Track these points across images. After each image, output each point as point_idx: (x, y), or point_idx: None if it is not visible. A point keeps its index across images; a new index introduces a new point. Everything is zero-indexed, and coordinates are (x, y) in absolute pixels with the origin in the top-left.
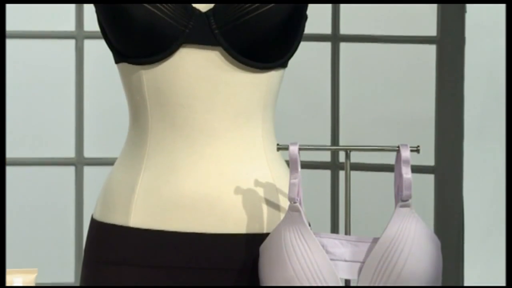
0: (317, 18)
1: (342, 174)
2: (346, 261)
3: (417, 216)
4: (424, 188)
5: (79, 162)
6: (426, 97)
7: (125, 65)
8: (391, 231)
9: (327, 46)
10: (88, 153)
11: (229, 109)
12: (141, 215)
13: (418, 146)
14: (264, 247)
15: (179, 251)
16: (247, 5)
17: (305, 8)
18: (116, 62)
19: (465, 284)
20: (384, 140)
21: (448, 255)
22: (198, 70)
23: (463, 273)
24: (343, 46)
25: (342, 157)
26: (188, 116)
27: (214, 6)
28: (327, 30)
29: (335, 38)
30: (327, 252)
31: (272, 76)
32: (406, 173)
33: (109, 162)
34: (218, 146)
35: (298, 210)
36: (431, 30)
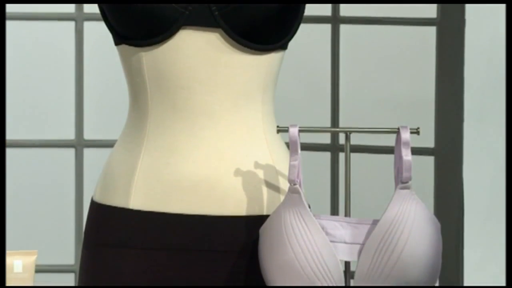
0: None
1: (342, 156)
2: (346, 243)
3: (417, 198)
4: (424, 170)
5: (79, 144)
6: (426, 79)
7: (124, 47)
8: (391, 213)
9: (327, 28)
10: (88, 135)
11: (229, 91)
12: (141, 197)
13: (418, 128)
14: (264, 229)
15: (179, 233)
16: None
17: None
18: (116, 44)
19: (465, 265)
20: (384, 122)
21: (448, 237)
22: (198, 52)
23: (462, 255)
24: (343, 28)
25: (342, 139)
26: (188, 98)
27: None
28: (327, 12)
29: (335, 20)
30: (327, 234)
31: (272, 58)
32: (406, 155)
33: (109, 144)
34: (218, 128)
35: (298, 192)
36: (431, 12)
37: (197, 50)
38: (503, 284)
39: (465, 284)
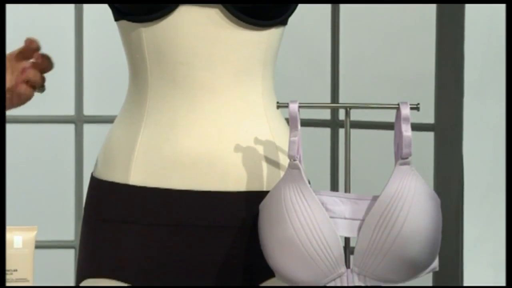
0: None
1: (342, 132)
2: (345, 218)
3: (417, 174)
4: (424, 146)
5: (79, 120)
6: (426, 54)
7: (124, 22)
8: (391, 189)
9: (327, 4)
10: (87, 110)
11: (228, 66)
12: (141, 173)
13: (418, 104)
14: (264, 205)
15: (179, 209)
16: None
17: None
18: (116, 19)
19: (465, 241)
20: (384, 98)
21: (448, 213)
22: (197, 28)
23: (462, 231)
24: (343, 4)
25: (342, 114)
26: (188, 73)
27: None
28: None
29: None
30: (327, 209)
31: (272, 34)
32: (406, 130)
33: (108, 119)
34: (217, 104)
35: (297, 168)
36: None
37: (197, 26)
38: (503, 260)
39: (465, 259)
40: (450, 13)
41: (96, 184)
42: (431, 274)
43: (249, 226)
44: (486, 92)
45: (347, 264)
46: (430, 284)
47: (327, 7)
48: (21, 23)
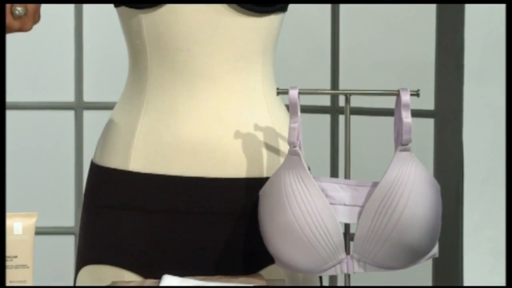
0: None
1: (342, 118)
2: (345, 205)
3: (417, 160)
4: (424, 132)
5: (79, 106)
6: (426, 41)
7: (124, 8)
8: (391, 175)
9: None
10: (87, 97)
11: (228, 53)
12: (141, 159)
13: (418, 90)
14: (264, 192)
15: (179, 195)
16: None
17: None
18: (115, 5)
19: (465, 227)
20: (384, 84)
21: (448, 199)
22: (197, 15)
23: (462, 217)
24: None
25: (342, 101)
26: (188, 60)
27: None
28: None
29: None
30: (327, 196)
31: (272, 21)
32: (406, 117)
33: (108, 106)
34: (217, 91)
35: (297, 154)
36: None
37: (197, 12)
38: (503, 246)
39: (465, 246)
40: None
41: (96, 170)
42: (431, 260)
43: (249, 213)
44: (486, 78)
45: (347, 250)
46: (430, 273)
47: None
48: None
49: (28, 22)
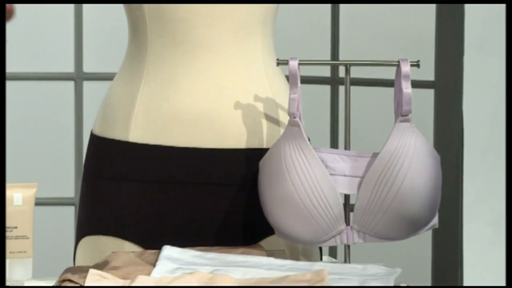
0: None
1: (342, 89)
2: (345, 176)
3: (417, 131)
4: (424, 103)
5: (79, 77)
6: (426, 12)
7: None
8: (391, 146)
9: None
10: (87, 68)
11: (228, 24)
12: (141, 130)
13: (418, 61)
14: (264, 162)
15: (179, 166)
16: None
17: None
18: None
19: (464, 198)
20: (384, 55)
21: (448, 170)
22: None
23: (462, 188)
24: None
25: (342, 72)
26: (188, 31)
27: None
28: None
29: None
30: (327, 167)
31: None
32: (406, 87)
33: (108, 77)
34: (217, 61)
35: (297, 125)
36: None
37: None
38: (503, 217)
39: (464, 216)
40: None
41: (96, 141)
42: (430, 231)
43: (249, 184)
44: (486, 49)
45: (347, 221)
46: (430, 244)
47: None
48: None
49: None
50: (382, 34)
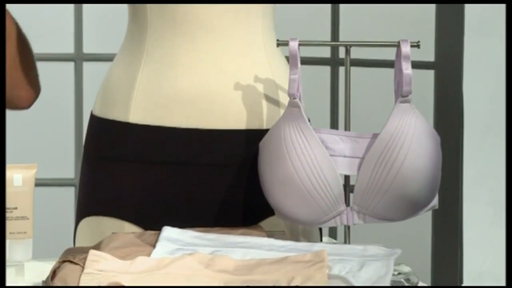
0: None
1: (342, 70)
2: (345, 156)
3: (417, 111)
4: (424, 83)
5: (79, 58)
6: None
7: None
8: (391, 127)
9: None
10: (87, 48)
11: (228, 5)
12: (141, 111)
13: (419, 42)
14: (264, 143)
15: (179, 146)
16: None
17: None
18: None
19: (464, 179)
20: (385, 35)
21: (448, 150)
22: None
23: (462, 169)
24: None
25: (342, 52)
26: (188, 11)
27: None
28: None
29: None
30: (327, 148)
31: None
32: (406, 68)
33: (108, 57)
34: (217, 42)
35: (297, 106)
36: None
37: None
38: (502, 197)
39: (464, 197)
40: None
41: (96, 122)
42: (430, 212)
43: (249, 164)
44: (487, 30)
45: (347, 202)
46: (430, 225)
47: None
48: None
49: None
50: (382, 15)
